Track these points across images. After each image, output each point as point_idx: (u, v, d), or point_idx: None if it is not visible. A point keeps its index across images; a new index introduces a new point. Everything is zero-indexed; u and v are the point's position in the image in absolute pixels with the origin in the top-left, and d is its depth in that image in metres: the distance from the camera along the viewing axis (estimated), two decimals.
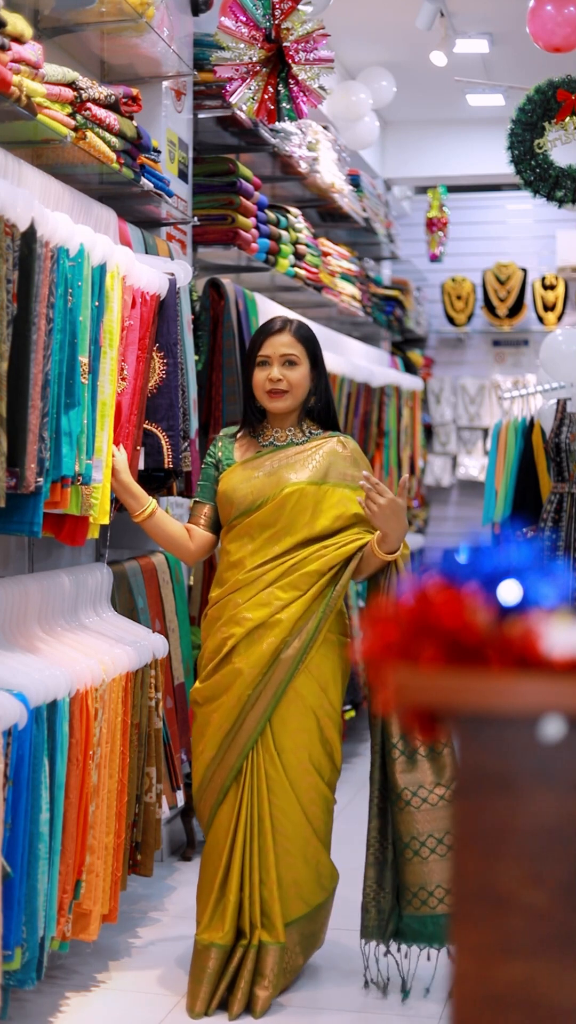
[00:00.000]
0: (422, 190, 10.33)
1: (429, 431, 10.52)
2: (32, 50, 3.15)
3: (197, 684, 3.60)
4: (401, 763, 3.49)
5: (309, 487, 3.53)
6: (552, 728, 1.21)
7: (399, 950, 3.62)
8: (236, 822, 3.50)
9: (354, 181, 7.51)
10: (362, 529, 3.55)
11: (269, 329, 3.61)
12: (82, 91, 3.53)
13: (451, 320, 10.55)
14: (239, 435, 3.69)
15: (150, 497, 3.65)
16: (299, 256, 6.06)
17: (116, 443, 3.65)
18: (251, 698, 3.48)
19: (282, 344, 3.56)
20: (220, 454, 3.66)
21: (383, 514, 3.41)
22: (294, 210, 6.06)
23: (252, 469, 3.58)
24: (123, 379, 3.69)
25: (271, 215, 5.60)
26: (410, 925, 3.53)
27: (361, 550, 3.51)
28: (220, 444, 3.69)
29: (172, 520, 3.67)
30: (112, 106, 3.72)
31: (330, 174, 6.58)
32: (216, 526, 3.68)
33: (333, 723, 3.57)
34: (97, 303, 3.41)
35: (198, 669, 3.65)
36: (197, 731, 3.60)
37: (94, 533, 3.51)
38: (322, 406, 3.65)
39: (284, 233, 5.74)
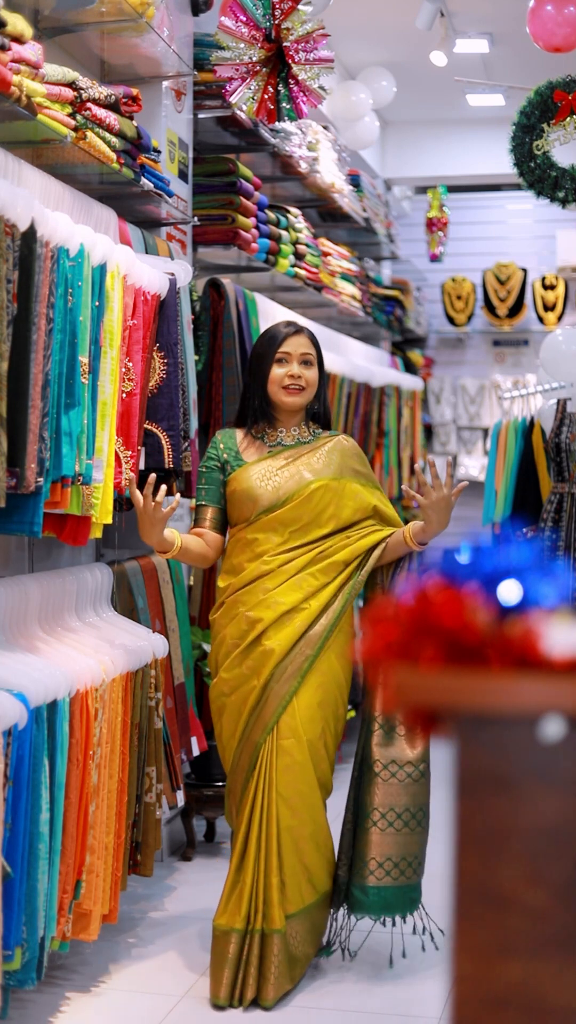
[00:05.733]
0: (422, 190, 10.32)
1: (429, 431, 10.51)
2: (32, 50, 3.15)
3: (222, 674, 3.61)
4: (379, 736, 3.64)
5: (332, 482, 3.68)
6: (552, 728, 1.21)
7: (348, 919, 3.76)
8: (252, 807, 3.54)
9: (354, 181, 7.51)
10: (377, 521, 3.72)
11: (288, 331, 3.74)
12: (82, 91, 3.53)
13: (451, 320, 10.55)
14: (242, 436, 3.75)
15: (173, 531, 3.59)
16: (299, 256, 6.06)
17: (128, 445, 3.66)
18: (276, 674, 3.55)
19: (301, 344, 3.73)
20: (225, 456, 3.70)
21: (436, 507, 3.60)
22: (294, 210, 6.06)
23: (268, 468, 3.67)
24: (130, 379, 3.69)
25: (271, 215, 5.60)
26: (357, 896, 3.65)
27: (384, 541, 3.67)
28: (222, 447, 3.71)
29: (189, 537, 3.66)
30: (112, 106, 3.73)
31: (330, 174, 6.58)
32: (222, 527, 3.73)
33: (343, 704, 3.68)
34: (97, 303, 3.42)
35: (216, 660, 3.66)
36: (227, 718, 3.61)
37: (96, 533, 3.51)
38: (324, 408, 3.81)
39: (284, 233, 5.74)
